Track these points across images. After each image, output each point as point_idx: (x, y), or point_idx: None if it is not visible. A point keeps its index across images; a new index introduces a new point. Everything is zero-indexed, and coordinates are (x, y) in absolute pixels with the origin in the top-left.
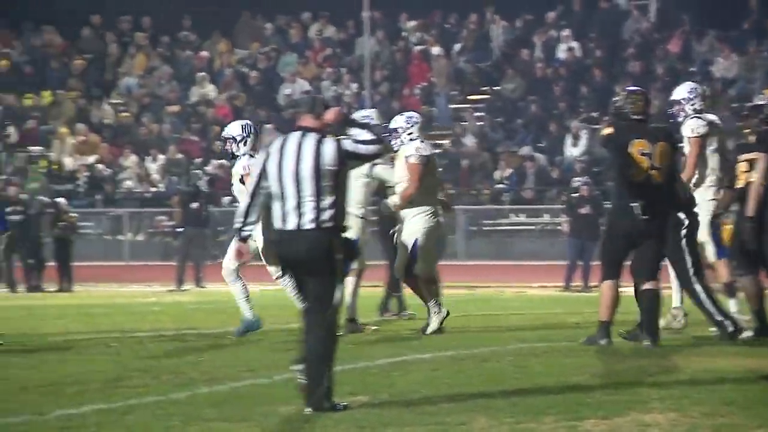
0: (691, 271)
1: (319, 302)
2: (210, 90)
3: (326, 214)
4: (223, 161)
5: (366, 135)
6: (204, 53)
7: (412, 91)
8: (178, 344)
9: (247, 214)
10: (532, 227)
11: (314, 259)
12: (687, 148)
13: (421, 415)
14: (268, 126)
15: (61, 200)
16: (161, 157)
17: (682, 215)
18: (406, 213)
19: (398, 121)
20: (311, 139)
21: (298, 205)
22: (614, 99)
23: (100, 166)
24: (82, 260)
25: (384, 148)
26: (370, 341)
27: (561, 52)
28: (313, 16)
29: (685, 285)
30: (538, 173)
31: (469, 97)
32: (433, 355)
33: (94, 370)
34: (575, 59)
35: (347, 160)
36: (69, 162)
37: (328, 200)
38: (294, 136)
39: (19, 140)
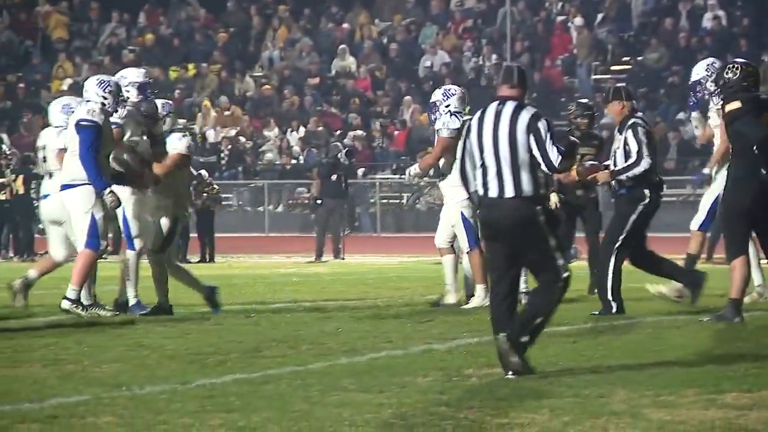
0: (617, 244)
1: (546, 272)
2: (350, 62)
3: (525, 183)
4: (359, 132)
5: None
6: (345, 25)
7: (553, 62)
8: (317, 315)
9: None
10: (674, 198)
11: (514, 227)
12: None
13: (560, 388)
14: (407, 98)
15: (203, 172)
16: (302, 130)
17: (646, 191)
18: (446, 191)
19: (436, 95)
20: (509, 108)
21: (498, 174)
22: (726, 72)
23: (241, 138)
24: (223, 232)
25: (560, 167)
26: None
27: (706, 21)
28: None
29: (603, 255)
30: (680, 144)
31: (611, 68)
32: (571, 327)
33: (234, 340)
34: (721, 28)
35: (531, 134)
36: (211, 134)
37: (526, 168)
38: (492, 106)
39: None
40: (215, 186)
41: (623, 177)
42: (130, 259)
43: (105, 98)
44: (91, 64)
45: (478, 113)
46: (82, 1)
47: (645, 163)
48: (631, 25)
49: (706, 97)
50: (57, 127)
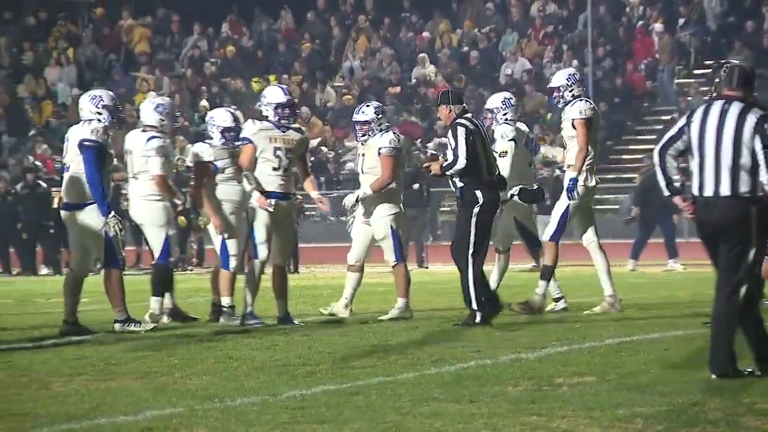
0: (470, 251)
1: (730, 271)
2: (431, 70)
3: (743, 183)
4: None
5: None
6: (425, 34)
7: (636, 66)
8: (404, 324)
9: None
10: None
11: (728, 226)
12: (572, 130)
13: (652, 396)
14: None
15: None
16: None
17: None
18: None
19: (495, 102)
20: (735, 108)
21: (716, 172)
22: (723, 72)
23: (323, 148)
24: (307, 242)
25: None
26: (597, 321)
27: None
28: None
29: (460, 264)
30: None
31: (694, 72)
32: (662, 334)
33: (323, 351)
34: None
35: (756, 135)
36: None
37: (746, 169)
38: (717, 104)
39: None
40: (299, 196)
41: (448, 173)
42: (256, 268)
43: (99, 113)
44: (172, 77)
45: (701, 110)
46: (164, 15)
47: (460, 163)
48: (709, 29)
49: (560, 105)
50: (150, 126)
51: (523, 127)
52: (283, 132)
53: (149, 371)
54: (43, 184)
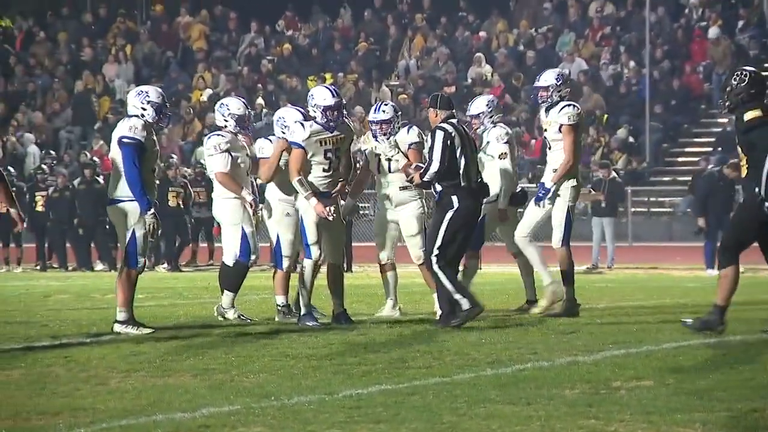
0: (435, 253)
1: None
2: (487, 70)
3: None
4: None
5: None
6: (482, 33)
7: (693, 68)
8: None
9: None
10: None
11: None
12: (557, 134)
13: (711, 401)
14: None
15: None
16: None
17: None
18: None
19: (480, 106)
20: None
21: None
22: (733, 79)
23: None
24: (360, 241)
25: None
26: (653, 325)
27: None
28: None
29: (428, 266)
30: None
31: None
32: (719, 339)
33: (378, 350)
34: None
35: None
36: None
37: None
38: None
39: None
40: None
41: (426, 178)
42: (306, 268)
43: (144, 109)
44: (229, 75)
45: None
46: (221, 12)
47: (434, 167)
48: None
49: (542, 104)
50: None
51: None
52: (332, 132)
53: (206, 368)
54: (101, 180)
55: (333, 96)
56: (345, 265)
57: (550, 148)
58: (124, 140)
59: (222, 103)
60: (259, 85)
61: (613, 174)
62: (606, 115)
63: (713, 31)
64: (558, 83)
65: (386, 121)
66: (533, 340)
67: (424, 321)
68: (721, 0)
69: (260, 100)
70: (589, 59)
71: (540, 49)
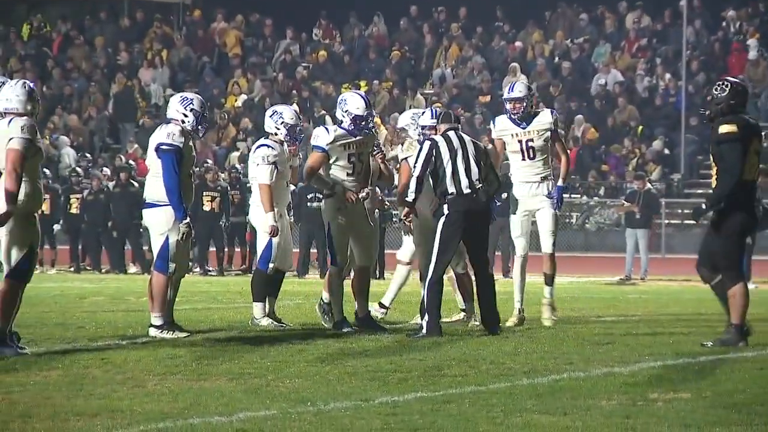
0: (433, 261)
1: None
2: (522, 80)
3: None
4: None
5: None
6: (517, 43)
7: None
8: (493, 335)
9: None
10: None
11: None
12: (542, 141)
13: (749, 415)
14: (579, 117)
15: (377, 189)
16: None
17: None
18: None
19: (404, 120)
20: None
21: None
22: (714, 89)
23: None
24: (394, 248)
25: None
26: (689, 337)
27: None
28: (628, 6)
29: (423, 271)
30: None
31: None
32: (757, 353)
33: (414, 358)
34: None
35: None
36: None
37: None
38: None
39: None
40: (387, 202)
41: (409, 194)
42: (333, 275)
43: (185, 116)
44: (264, 81)
45: None
46: (257, 18)
47: (414, 173)
48: None
49: (514, 115)
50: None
51: None
52: (355, 137)
53: (242, 373)
54: (135, 184)
55: (366, 107)
56: (377, 272)
57: (532, 158)
58: (163, 147)
59: (275, 111)
60: (294, 92)
61: (648, 185)
62: (641, 127)
63: (752, 44)
64: (531, 94)
65: (519, 99)
66: (569, 351)
67: (458, 329)
68: (759, 14)
69: (295, 107)
70: (624, 71)
71: (575, 59)
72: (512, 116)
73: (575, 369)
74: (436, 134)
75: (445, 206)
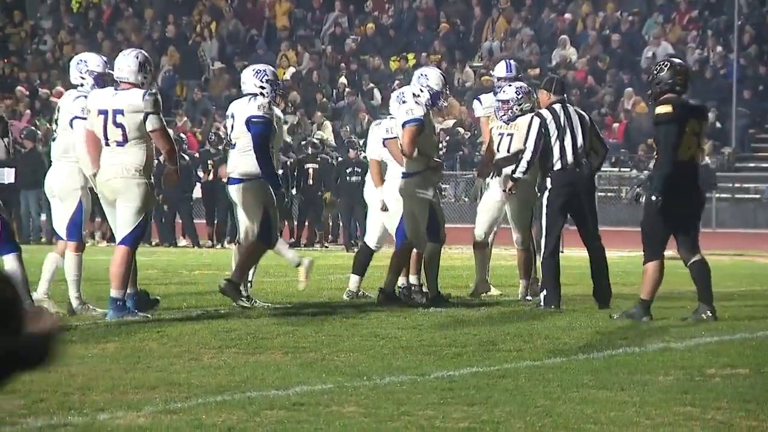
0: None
1: None
2: (571, 53)
3: None
4: None
5: None
6: (567, 15)
7: None
8: (547, 309)
9: None
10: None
11: None
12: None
13: None
14: (629, 90)
15: None
16: None
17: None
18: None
19: (509, 93)
20: None
21: None
22: (655, 69)
23: (460, 129)
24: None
25: None
26: (746, 312)
27: None
28: None
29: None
30: None
31: None
32: None
33: (468, 332)
34: None
35: None
36: None
37: None
38: None
39: (381, 103)
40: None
41: (519, 173)
42: (402, 252)
43: (263, 87)
44: (312, 53)
45: None
46: None
47: (527, 155)
48: None
49: (504, 117)
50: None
51: None
52: (429, 108)
53: (297, 346)
54: (186, 157)
55: (444, 83)
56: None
57: (507, 150)
58: (254, 120)
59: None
60: (342, 65)
61: (707, 159)
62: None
63: None
64: (518, 97)
65: (506, 101)
66: (624, 326)
67: (512, 303)
68: None
69: (343, 80)
70: (675, 43)
71: (625, 32)
72: (501, 117)
73: (631, 344)
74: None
75: (548, 180)
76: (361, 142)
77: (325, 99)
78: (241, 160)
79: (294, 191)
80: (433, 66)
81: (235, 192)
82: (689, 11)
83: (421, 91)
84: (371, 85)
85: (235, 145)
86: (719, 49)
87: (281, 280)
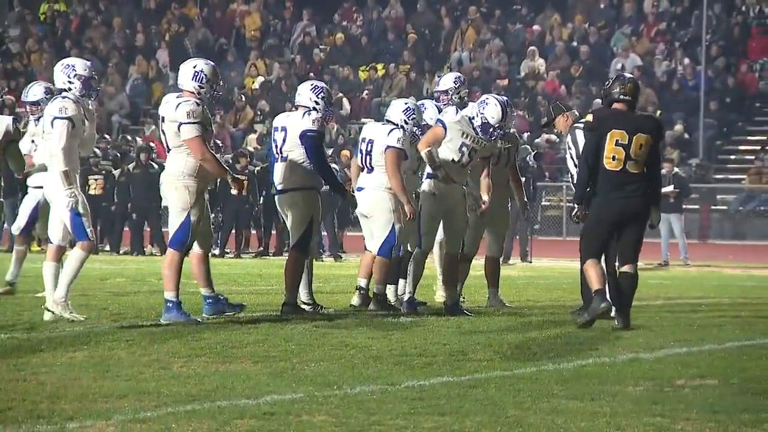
0: None
1: None
2: (540, 64)
3: None
4: (552, 136)
5: None
6: (536, 27)
7: (751, 66)
8: (518, 319)
9: None
10: None
11: None
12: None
13: None
14: (597, 101)
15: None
16: None
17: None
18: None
19: (447, 83)
20: None
21: None
22: (606, 84)
23: None
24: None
25: None
26: (714, 323)
27: None
28: None
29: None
30: None
31: None
32: None
33: (438, 342)
34: None
35: None
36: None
37: None
38: None
39: (350, 113)
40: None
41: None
42: (416, 257)
43: (317, 103)
44: (282, 63)
45: None
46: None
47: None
48: None
49: (445, 106)
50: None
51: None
52: (476, 133)
53: (267, 355)
54: (155, 165)
55: (501, 119)
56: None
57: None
58: (309, 134)
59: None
60: (311, 74)
61: (676, 169)
62: (660, 111)
63: None
64: (456, 86)
65: (443, 91)
66: (594, 336)
67: (483, 314)
68: None
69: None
70: (643, 55)
71: (594, 44)
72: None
73: (600, 354)
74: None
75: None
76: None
77: (293, 109)
78: (292, 172)
79: (261, 200)
80: (498, 96)
81: (284, 202)
82: (657, 23)
83: (476, 116)
84: (340, 94)
85: (286, 157)
86: (687, 61)
87: (250, 288)
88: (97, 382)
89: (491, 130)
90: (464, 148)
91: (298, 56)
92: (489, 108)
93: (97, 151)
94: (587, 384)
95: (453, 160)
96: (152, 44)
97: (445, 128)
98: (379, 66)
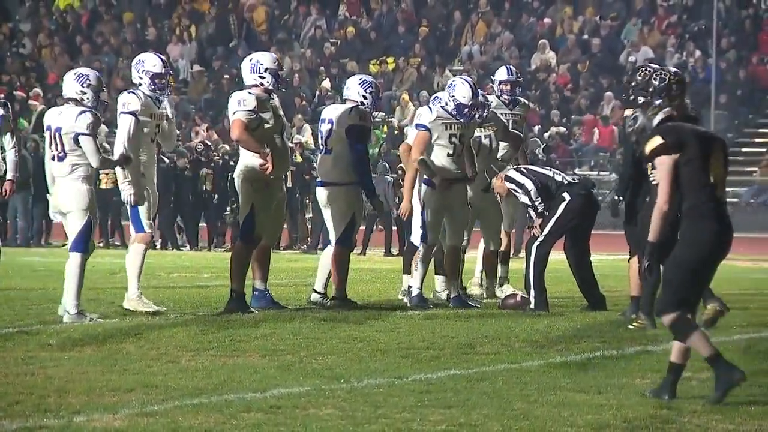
0: None
1: None
2: (551, 57)
3: None
4: (561, 128)
5: None
6: (547, 20)
7: (762, 59)
8: (525, 312)
9: None
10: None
11: None
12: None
13: None
14: (608, 94)
15: None
16: None
17: None
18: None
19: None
20: None
21: None
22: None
23: None
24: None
25: None
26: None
27: None
28: None
29: None
30: None
31: None
32: None
33: (446, 335)
34: None
35: None
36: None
37: None
38: None
39: None
40: None
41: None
42: (423, 252)
43: (365, 98)
44: (292, 57)
45: None
46: None
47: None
48: None
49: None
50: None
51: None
52: (456, 118)
53: (274, 349)
54: (166, 159)
55: (472, 96)
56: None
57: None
58: (355, 129)
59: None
60: (322, 68)
61: None
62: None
63: None
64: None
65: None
66: (601, 329)
67: (490, 306)
68: None
69: (326, 83)
70: (654, 47)
71: (605, 36)
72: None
73: (608, 347)
74: (512, 91)
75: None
76: None
77: (304, 103)
78: (336, 166)
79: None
80: (465, 76)
81: (325, 195)
82: (668, 16)
83: (449, 101)
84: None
85: (330, 150)
86: (698, 53)
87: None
88: (104, 375)
89: (466, 110)
90: (453, 138)
91: (308, 50)
92: (458, 89)
93: (106, 146)
94: (594, 376)
95: (448, 153)
96: (163, 38)
97: (428, 129)
98: (390, 60)
